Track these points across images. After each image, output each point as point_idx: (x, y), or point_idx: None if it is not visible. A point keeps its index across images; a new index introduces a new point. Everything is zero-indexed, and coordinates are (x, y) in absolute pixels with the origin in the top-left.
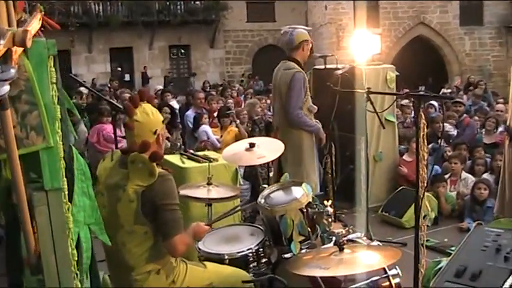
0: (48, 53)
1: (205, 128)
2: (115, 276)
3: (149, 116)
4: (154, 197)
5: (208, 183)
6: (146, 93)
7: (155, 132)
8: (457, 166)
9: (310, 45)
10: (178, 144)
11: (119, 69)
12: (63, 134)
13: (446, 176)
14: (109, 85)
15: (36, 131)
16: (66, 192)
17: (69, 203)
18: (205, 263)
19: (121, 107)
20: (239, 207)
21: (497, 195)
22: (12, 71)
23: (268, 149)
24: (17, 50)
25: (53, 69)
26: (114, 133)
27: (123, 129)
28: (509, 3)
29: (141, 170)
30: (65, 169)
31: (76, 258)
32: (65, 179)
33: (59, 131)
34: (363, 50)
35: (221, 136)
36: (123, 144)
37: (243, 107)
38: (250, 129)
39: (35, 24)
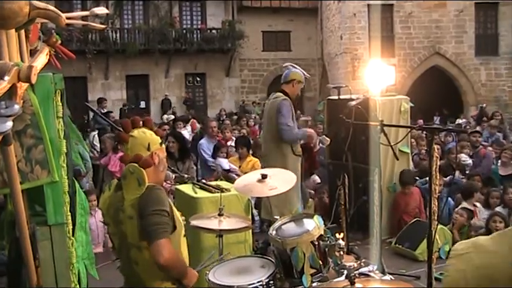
0: (55, 87)
1: (220, 161)
2: None
3: (145, 134)
4: (143, 206)
5: (220, 214)
6: (148, 120)
7: (148, 148)
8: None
9: (301, 86)
10: (186, 175)
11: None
12: (68, 168)
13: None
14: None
15: (41, 165)
16: (71, 227)
17: (72, 238)
18: None
19: None
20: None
21: None
22: (16, 107)
23: (280, 180)
24: (22, 86)
25: (60, 104)
26: None
27: None
28: None
29: (132, 182)
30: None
31: None
32: (69, 213)
33: (64, 165)
34: (378, 80)
35: (240, 166)
36: None
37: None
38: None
39: (42, 59)
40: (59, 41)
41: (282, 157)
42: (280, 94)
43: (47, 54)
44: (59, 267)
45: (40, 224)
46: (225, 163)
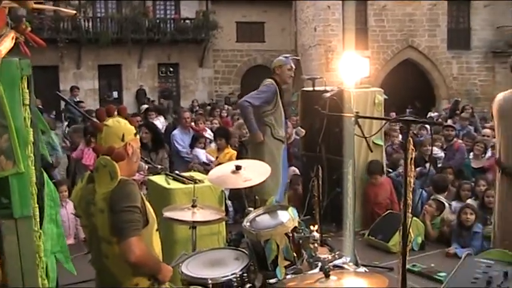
0: (21, 73)
1: (197, 151)
2: None
3: (120, 123)
4: (114, 201)
5: (193, 206)
6: (123, 109)
7: (123, 139)
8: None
9: (288, 67)
10: (159, 166)
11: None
12: (35, 158)
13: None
14: None
15: (6, 155)
16: (38, 220)
17: (40, 231)
18: (191, 287)
19: None
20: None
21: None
22: None
23: (255, 171)
24: None
25: (26, 91)
26: None
27: None
28: (496, 29)
29: (104, 175)
30: (37, 195)
31: None
32: (36, 205)
33: (31, 155)
34: (352, 72)
35: (217, 158)
36: None
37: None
38: (237, 150)
39: (6, 43)
40: (29, 29)
41: (261, 145)
42: (270, 79)
43: (12, 38)
44: (26, 262)
45: (5, 218)
46: (202, 154)
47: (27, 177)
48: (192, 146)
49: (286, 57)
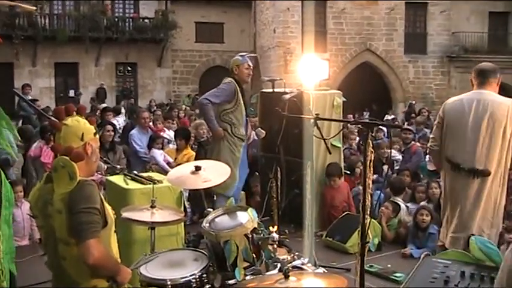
0: None
1: (154, 152)
2: None
3: (79, 122)
4: (73, 202)
5: (152, 206)
6: (82, 108)
7: (82, 138)
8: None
9: (245, 66)
10: (118, 166)
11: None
12: None
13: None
14: None
15: None
16: None
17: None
18: None
19: None
20: None
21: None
22: None
23: (214, 172)
24: None
25: None
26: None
27: None
28: (452, 34)
29: (63, 175)
30: None
31: None
32: None
33: None
34: (311, 74)
35: (175, 159)
36: None
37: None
38: (195, 151)
39: None
40: None
41: (218, 143)
42: (229, 78)
43: None
44: None
45: None
46: (159, 155)
47: None
48: (149, 146)
49: (242, 55)
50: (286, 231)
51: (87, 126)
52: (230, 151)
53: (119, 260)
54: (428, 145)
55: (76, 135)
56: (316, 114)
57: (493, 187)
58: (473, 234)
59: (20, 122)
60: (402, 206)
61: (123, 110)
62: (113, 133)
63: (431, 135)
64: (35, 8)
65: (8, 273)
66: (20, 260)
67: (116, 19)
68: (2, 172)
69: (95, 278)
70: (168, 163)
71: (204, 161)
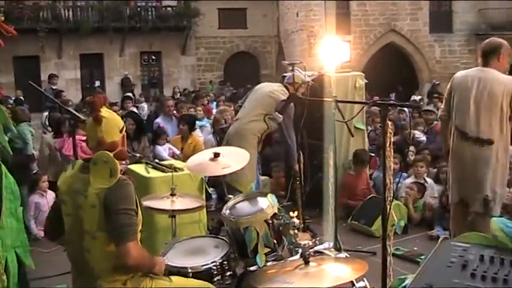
0: None
1: (157, 149)
2: (80, 286)
3: (113, 114)
4: (113, 200)
5: (172, 194)
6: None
7: (121, 130)
8: (422, 170)
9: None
10: (138, 155)
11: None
12: None
13: (410, 180)
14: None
15: None
16: None
17: None
18: (171, 277)
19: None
20: None
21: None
22: None
23: (234, 158)
24: None
25: None
26: (74, 145)
27: None
28: (478, 11)
29: (103, 170)
30: None
31: (5, 285)
32: None
33: None
34: (332, 57)
35: (182, 149)
36: None
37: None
38: (218, 137)
39: None
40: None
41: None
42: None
43: None
44: None
45: None
46: (162, 151)
47: None
48: (153, 142)
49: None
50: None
51: (120, 118)
52: (255, 152)
53: None
54: (439, 114)
55: (117, 128)
56: (334, 97)
57: (499, 153)
58: (487, 195)
59: (46, 113)
60: (428, 184)
61: (142, 98)
62: (134, 126)
63: (441, 106)
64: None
65: (14, 266)
66: (47, 251)
67: (139, 8)
68: (1, 165)
69: (116, 273)
70: (174, 156)
71: (222, 147)
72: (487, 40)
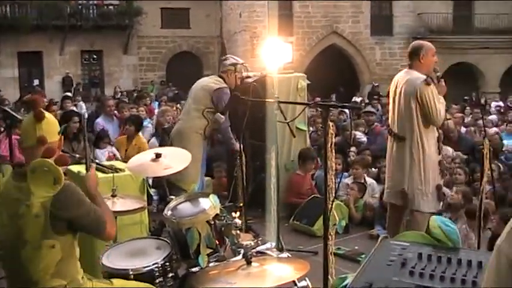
0: None
1: (96, 153)
2: None
3: (51, 115)
4: (64, 209)
5: (113, 195)
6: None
7: (59, 132)
8: (359, 171)
9: (238, 75)
10: (77, 155)
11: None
12: None
13: (350, 181)
14: None
15: None
16: None
17: None
18: (112, 280)
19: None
20: None
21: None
22: None
23: (175, 159)
24: None
25: None
26: (10, 145)
27: None
28: (417, 15)
29: (45, 179)
30: None
31: None
32: None
33: None
34: (275, 58)
35: (126, 150)
36: None
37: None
38: (160, 138)
39: None
40: None
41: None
42: (221, 79)
43: None
44: None
45: None
46: (100, 154)
47: None
48: (94, 144)
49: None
50: (252, 216)
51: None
52: (198, 151)
53: (81, 250)
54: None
55: (57, 129)
56: (276, 97)
57: (413, 150)
58: (403, 188)
59: None
60: (368, 184)
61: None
62: (78, 124)
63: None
64: None
65: None
66: None
67: (80, 6)
68: None
69: (55, 278)
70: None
71: (164, 148)
72: (411, 43)
